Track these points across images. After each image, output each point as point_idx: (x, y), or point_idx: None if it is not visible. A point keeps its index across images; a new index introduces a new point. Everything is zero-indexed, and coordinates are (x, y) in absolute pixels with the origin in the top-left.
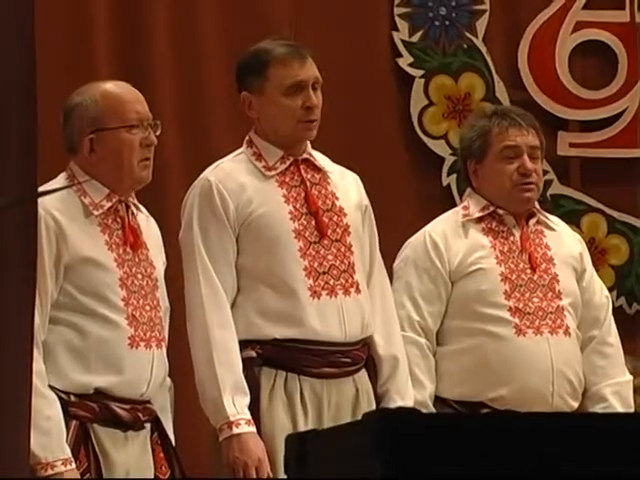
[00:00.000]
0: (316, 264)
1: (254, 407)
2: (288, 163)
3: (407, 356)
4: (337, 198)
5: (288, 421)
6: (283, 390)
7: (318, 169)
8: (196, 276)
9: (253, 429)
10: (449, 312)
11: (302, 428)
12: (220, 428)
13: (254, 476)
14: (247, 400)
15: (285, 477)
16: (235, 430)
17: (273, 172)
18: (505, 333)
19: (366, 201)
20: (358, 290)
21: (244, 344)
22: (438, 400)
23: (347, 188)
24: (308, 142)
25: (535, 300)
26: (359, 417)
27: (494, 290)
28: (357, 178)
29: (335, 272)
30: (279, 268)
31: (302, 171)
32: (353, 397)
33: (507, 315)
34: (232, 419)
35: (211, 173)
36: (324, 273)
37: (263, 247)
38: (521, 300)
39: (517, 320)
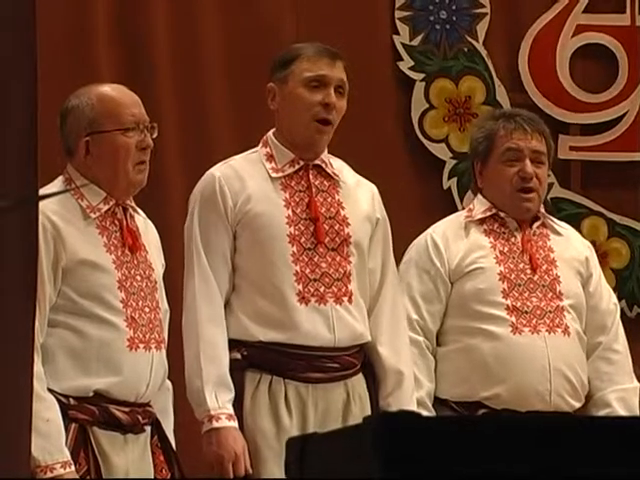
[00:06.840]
0: (308, 270)
1: (238, 409)
2: (297, 167)
3: None
4: (343, 207)
5: (271, 424)
6: (267, 393)
7: (329, 176)
8: (192, 269)
9: (234, 424)
10: (449, 312)
11: (286, 431)
12: (202, 421)
13: (230, 471)
14: (230, 395)
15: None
16: (215, 424)
17: (280, 174)
18: (501, 332)
19: (379, 214)
20: (351, 300)
21: (232, 344)
22: (437, 401)
23: (358, 199)
24: (325, 149)
25: (534, 299)
26: (350, 422)
27: (492, 288)
28: (375, 190)
29: (327, 280)
30: (269, 271)
31: (311, 176)
32: (343, 402)
33: (504, 314)
34: (213, 413)
35: (218, 168)
36: (315, 280)
37: (257, 249)
38: (519, 299)
39: (513, 319)
